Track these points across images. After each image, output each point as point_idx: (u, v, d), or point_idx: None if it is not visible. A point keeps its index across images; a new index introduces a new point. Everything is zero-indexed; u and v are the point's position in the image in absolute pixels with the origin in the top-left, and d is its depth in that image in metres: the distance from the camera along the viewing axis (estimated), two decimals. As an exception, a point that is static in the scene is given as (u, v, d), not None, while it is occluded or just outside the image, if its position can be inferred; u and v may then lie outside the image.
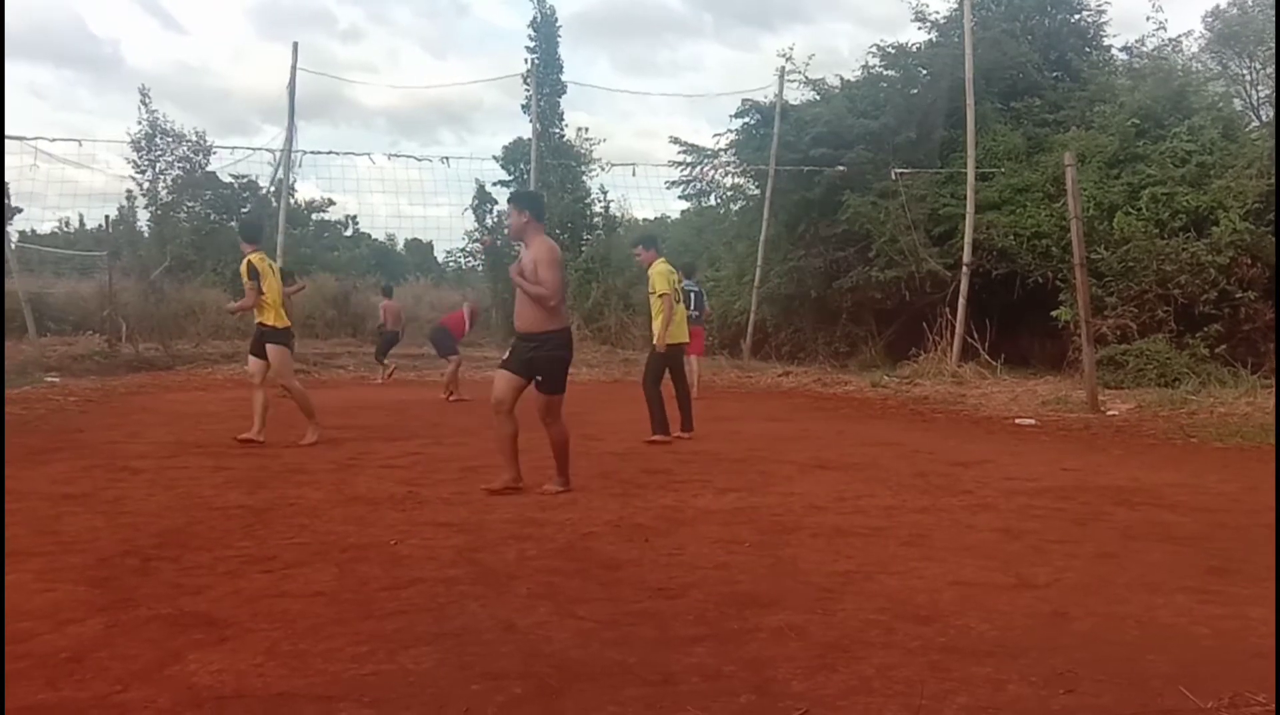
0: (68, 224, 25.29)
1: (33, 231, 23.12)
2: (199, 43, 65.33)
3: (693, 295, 10.30)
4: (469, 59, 67.41)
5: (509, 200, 4.18)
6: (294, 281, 10.26)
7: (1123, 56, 13.98)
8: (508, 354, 4.11)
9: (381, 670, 2.04)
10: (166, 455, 5.26)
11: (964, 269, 10.83)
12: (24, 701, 1.86)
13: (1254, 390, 7.65)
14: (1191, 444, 5.94)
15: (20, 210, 15.38)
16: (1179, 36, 15.31)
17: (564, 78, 18.78)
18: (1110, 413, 7.25)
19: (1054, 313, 9.94)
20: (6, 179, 13.35)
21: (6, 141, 11.37)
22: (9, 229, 14.34)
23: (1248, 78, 16.43)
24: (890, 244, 11.61)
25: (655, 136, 71.62)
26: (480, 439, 5.44)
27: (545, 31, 18.83)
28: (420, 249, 31.82)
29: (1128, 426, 6.70)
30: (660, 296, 5.91)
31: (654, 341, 5.98)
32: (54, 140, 19.07)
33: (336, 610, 2.46)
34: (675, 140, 15.90)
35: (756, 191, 14.10)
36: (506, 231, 3.96)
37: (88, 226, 23.79)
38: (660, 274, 6.00)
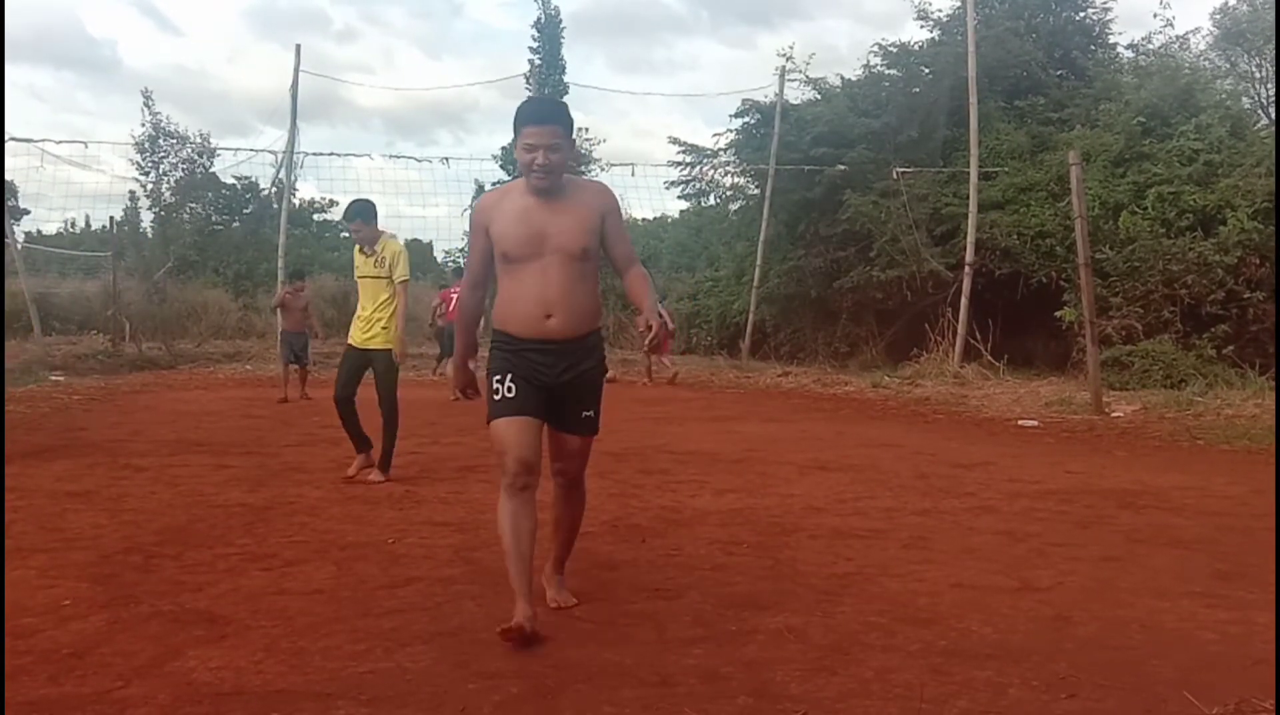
0: (73, 225, 25.43)
1: (39, 232, 23.28)
2: (195, 44, 65.57)
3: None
4: (464, 59, 67.50)
5: (557, 120, 2.27)
6: (302, 283, 10.21)
7: (1129, 54, 13.97)
8: (506, 385, 2.29)
9: (379, 668, 2.04)
10: (168, 453, 5.27)
11: (966, 269, 10.80)
12: (26, 697, 1.86)
13: (1261, 392, 7.60)
14: (1198, 446, 5.90)
15: (28, 212, 15.50)
16: (1186, 33, 15.31)
17: (565, 78, 18.78)
18: (1115, 414, 7.21)
19: (1058, 313, 9.90)
20: (14, 181, 13.40)
21: (14, 144, 11.44)
22: (15, 229, 14.42)
23: (1257, 75, 16.34)
24: (892, 244, 11.59)
25: (652, 136, 71.56)
26: (478, 437, 5.43)
27: (549, 32, 18.82)
28: (419, 249, 31.98)
29: (1133, 428, 6.66)
30: (403, 282, 4.43)
31: (391, 346, 4.36)
32: (59, 142, 19.15)
33: (335, 608, 2.46)
34: (674, 140, 15.91)
35: (756, 191, 14.09)
36: (539, 173, 2.24)
37: (93, 227, 23.90)
38: (404, 254, 4.49)
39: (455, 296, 11.83)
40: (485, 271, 2.38)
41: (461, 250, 22.13)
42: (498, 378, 2.31)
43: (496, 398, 2.31)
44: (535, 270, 2.28)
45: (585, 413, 2.39)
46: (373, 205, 4.63)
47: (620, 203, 2.47)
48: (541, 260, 2.28)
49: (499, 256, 2.30)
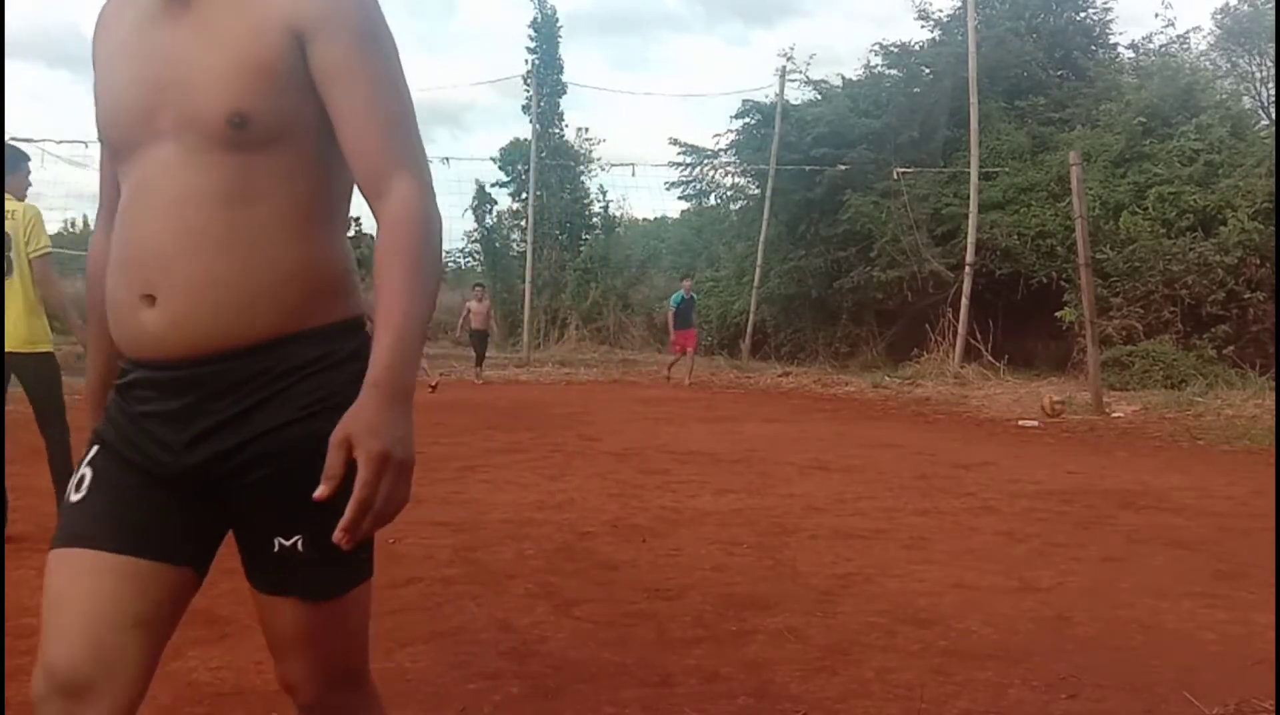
0: (73, 225, 25.45)
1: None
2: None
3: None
4: (460, 58, 67.09)
5: None
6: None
7: (1129, 54, 13.99)
8: (80, 470, 0.95)
9: (378, 669, 2.01)
10: (168, 453, 5.25)
11: (967, 269, 10.81)
12: (26, 697, 1.86)
13: (1262, 392, 7.61)
14: (1198, 447, 5.90)
15: None
16: (1187, 33, 15.32)
17: (563, 78, 18.78)
18: (1116, 415, 7.22)
19: (1058, 313, 9.91)
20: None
21: (15, 143, 11.43)
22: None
23: (1258, 75, 16.36)
24: (892, 244, 11.61)
25: (650, 134, 71.31)
26: (479, 437, 5.44)
27: (546, 32, 18.82)
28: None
29: (1133, 429, 6.67)
30: (44, 254, 3.15)
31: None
32: (60, 143, 19.15)
33: (334, 610, 2.45)
34: (674, 141, 15.96)
35: (756, 191, 14.12)
36: None
37: (92, 227, 23.85)
38: (39, 217, 3.21)
39: (468, 306, 11.63)
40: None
41: (462, 250, 21.79)
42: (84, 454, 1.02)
43: (61, 499, 1.12)
44: (136, 182, 0.94)
45: (282, 539, 0.94)
46: (20, 151, 3.07)
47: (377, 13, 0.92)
48: (148, 153, 0.92)
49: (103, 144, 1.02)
